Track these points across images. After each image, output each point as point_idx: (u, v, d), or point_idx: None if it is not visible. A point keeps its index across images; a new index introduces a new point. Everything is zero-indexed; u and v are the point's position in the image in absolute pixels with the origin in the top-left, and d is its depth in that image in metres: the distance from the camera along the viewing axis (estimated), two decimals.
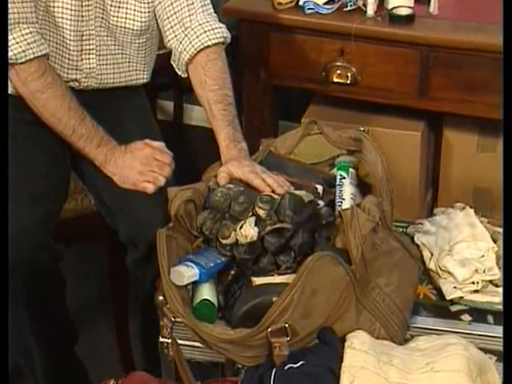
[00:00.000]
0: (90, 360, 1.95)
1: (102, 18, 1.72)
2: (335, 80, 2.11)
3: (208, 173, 1.57)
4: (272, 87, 2.25)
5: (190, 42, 1.69)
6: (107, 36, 1.75)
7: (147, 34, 1.79)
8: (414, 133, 2.18)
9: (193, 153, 2.88)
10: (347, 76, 2.09)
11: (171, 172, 1.66)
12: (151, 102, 2.06)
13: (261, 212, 1.40)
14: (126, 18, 1.73)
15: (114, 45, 1.77)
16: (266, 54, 2.17)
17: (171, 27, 1.72)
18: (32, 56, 1.63)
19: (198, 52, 1.69)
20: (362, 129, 1.68)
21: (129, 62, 1.81)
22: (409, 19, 2.03)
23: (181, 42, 1.70)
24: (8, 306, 1.37)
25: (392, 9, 2.04)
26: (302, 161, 1.64)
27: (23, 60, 1.62)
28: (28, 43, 1.62)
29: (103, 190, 1.72)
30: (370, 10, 2.05)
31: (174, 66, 1.76)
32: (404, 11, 2.03)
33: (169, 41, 1.74)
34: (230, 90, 1.67)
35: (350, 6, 2.08)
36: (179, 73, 1.76)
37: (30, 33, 1.63)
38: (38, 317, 1.71)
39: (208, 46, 1.69)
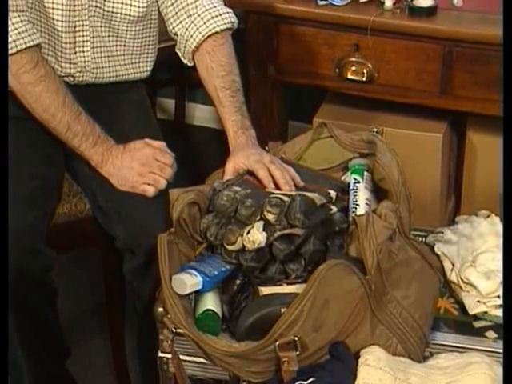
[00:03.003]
0: (82, 377, 1.96)
1: (96, 6, 1.75)
2: (350, 77, 2.12)
3: (211, 178, 1.58)
4: (281, 84, 2.26)
5: (197, 29, 1.73)
6: (101, 26, 1.78)
7: (144, 22, 1.82)
8: (435, 134, 2.18)
9: (195, 155, 2.89)
10: (363, 73, 2.10)
11: (173, 174, 1.67)
12: (150, 99, 2.08)
13: (270, 216, 1.41)
14: (122, 3, 1.76)
15: (109, 36, 1.80)
16: (274, 49, 2.18)
17: (175, 13, 1.76)
18: (23, 46, 1.64)
19: (206, 39, 1.73)
20: (374, 130, 1.69)
21: (128, 54, 1.84)
22: (430, 11, 2.04)
23: (187, 29, 1.74)
24: (8, 308, 1.38)
25: (412, 0, 2.04)
26: (313, 167, 1.66)
27: (14, 51, 1.63)
28: (19, 32, 1.64)
29: (99, 193, 1.73)
30: (388, 1, 2.06)
31: (180, 54, 1.80)
32: (425, 3, 2.03)
33: (173, 28, 1.78)
34: (238, 76, 1.72)
35: None
36: (185, 61, 1.80)
37: (21, 21, 1.65)
38: (27, 329, 1.72)
39: (216, 33, 1.74)
